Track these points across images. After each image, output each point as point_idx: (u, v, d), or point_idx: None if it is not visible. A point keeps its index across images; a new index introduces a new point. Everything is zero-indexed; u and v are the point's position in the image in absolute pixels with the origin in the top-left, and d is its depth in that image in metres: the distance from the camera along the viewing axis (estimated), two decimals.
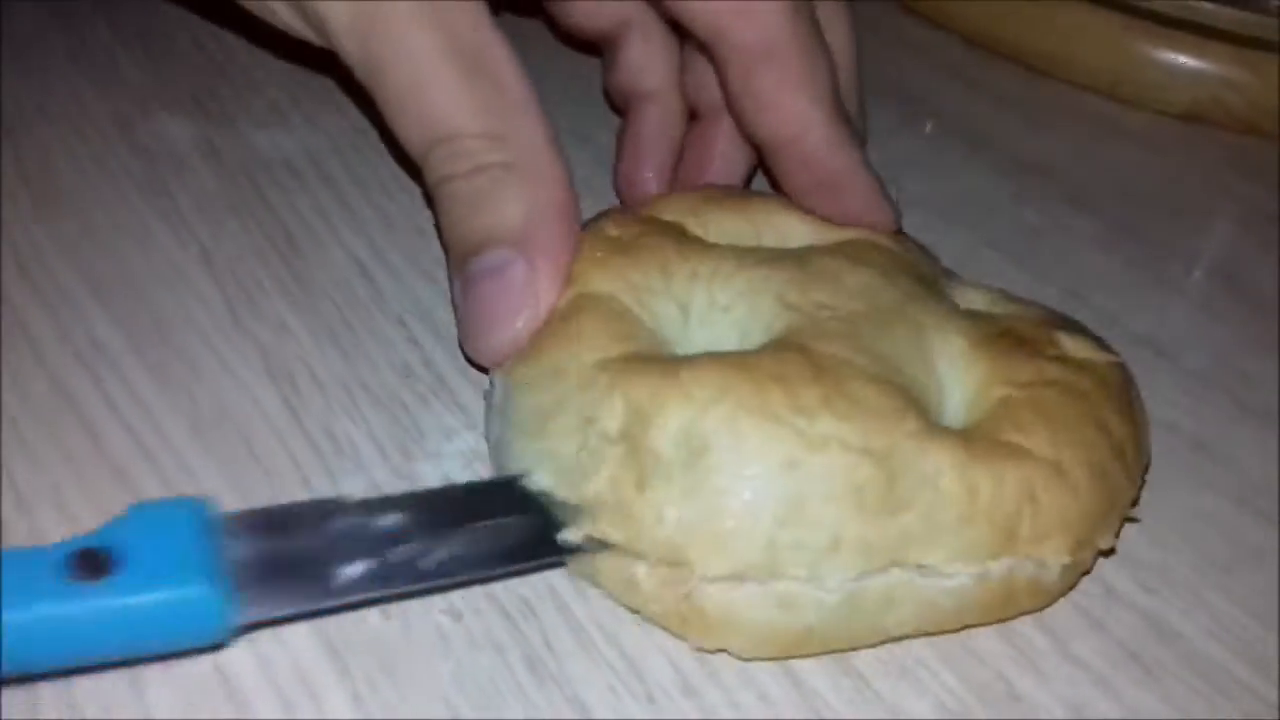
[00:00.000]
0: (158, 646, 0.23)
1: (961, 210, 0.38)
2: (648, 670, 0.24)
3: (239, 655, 0.24)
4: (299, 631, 0.24)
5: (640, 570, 0.24)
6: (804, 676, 0.25)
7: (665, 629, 0.25)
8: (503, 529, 0.25)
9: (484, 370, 0.29)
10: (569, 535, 0.24)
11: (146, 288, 0.32)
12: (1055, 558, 0.25)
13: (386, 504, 0.24)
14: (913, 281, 0.28)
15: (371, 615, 0.25)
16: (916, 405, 0.25)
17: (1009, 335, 0.27)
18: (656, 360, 0.25)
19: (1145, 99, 0.43)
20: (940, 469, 0.24)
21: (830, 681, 0.24)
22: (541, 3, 0.37)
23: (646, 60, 0.35)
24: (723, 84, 0.31)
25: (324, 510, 0.24)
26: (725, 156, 0.33)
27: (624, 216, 0.29)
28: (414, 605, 0.25)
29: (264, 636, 0.24)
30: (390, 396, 0.29)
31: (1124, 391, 0.27)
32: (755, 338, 0.26)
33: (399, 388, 0.30)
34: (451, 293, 0.28)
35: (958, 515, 0.24)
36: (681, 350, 0.27)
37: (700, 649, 0.25)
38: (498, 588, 0.25)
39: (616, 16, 0.35)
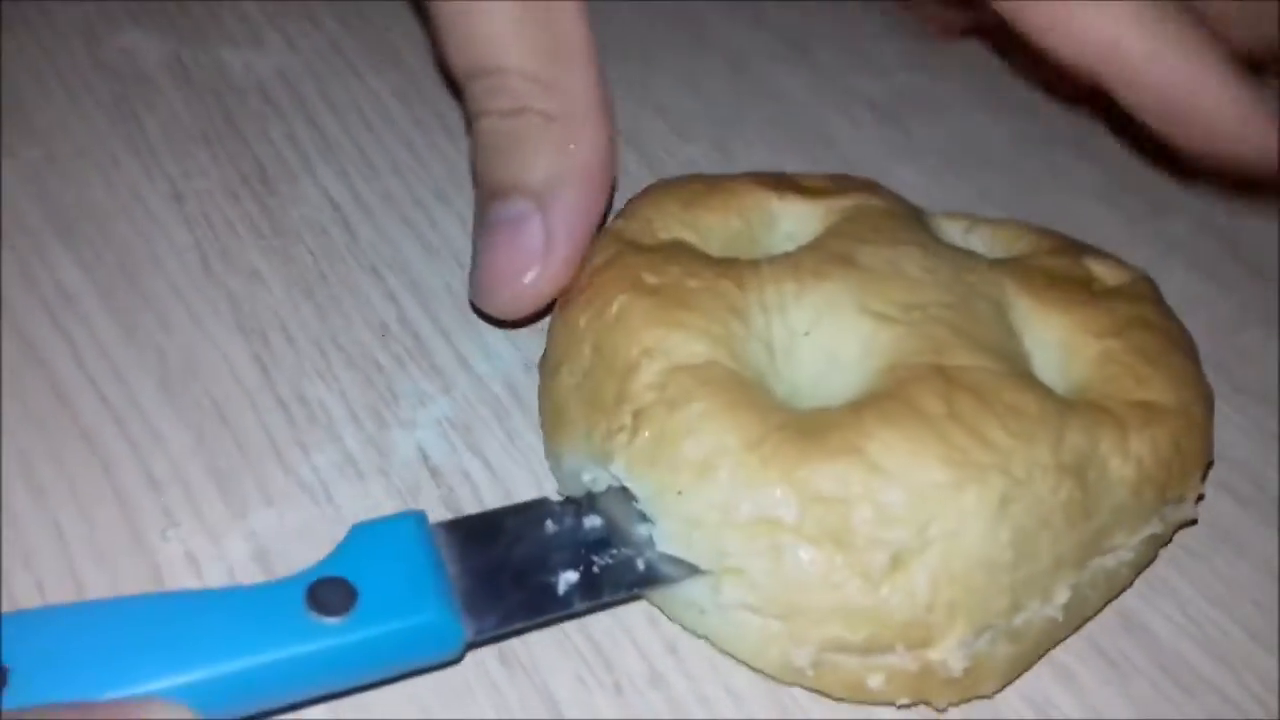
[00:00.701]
0: (390, 670, 0.23)
1: (959, 157, 0.37)
2: (616, 660, 0.24)
3: None
4: None
5: (875, 664, 0.23)
6: None
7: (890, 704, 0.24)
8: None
9: (492, 321, 0.28)
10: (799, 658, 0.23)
11: (114, 227, 0.31)
12: (1192, 491, 0.26)
13: (586, 505, 0.24)
14: (934, 241, 0.28)
15: None
16: (1050, 391, 0.25)
17: (1050, 277, 0.27)
18: (805, 427, 0.23)
19: None
20: (1107, 453, 0.24)
21: None
22: None
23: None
24: (1013, 21, 0.27)
25: (535, 515, 0.24)
26: None
27: (635, 254, 0.26)
28: None
29: None
30: (364, 356, 0.29)
31: (1163, 300, 0.28)
32: (851, 358, 0.25)
33: (374, 347, 0.29)
34: (473, 229, 0.28)
35: (1130, 491, 0.25)
36: (784, 393, 0.25)
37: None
38: None
39: None
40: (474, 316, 0.30)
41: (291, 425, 0.27)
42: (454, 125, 0.34)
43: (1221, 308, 0.33)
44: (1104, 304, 0.27)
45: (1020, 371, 0.25)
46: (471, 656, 0.24)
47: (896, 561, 0.23)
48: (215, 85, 0.35)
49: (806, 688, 0.24)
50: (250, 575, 0.25)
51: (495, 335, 0.30)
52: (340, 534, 0.25)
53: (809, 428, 0.23)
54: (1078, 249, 0.29)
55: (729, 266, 0.26)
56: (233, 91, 0.35)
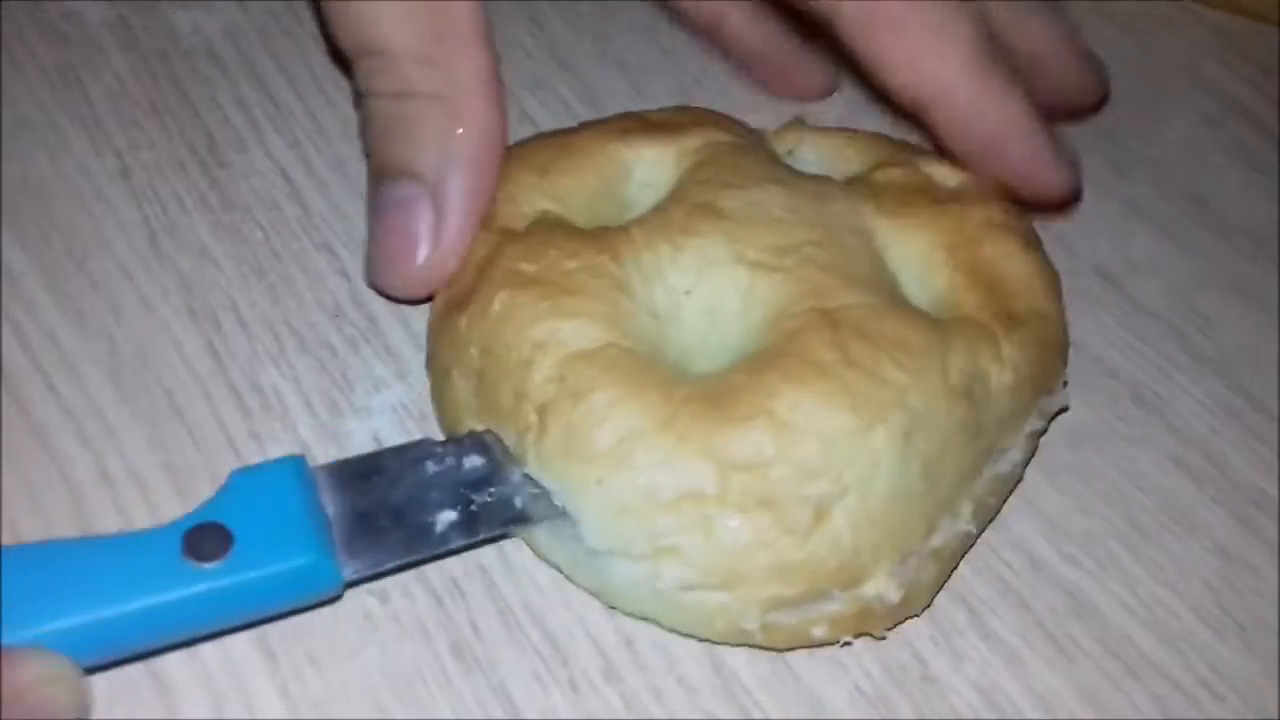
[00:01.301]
0: (269, 611, 0.23)
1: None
2: (572, 655, 0.25)
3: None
4: None
5: (816, 613, 0.24)
6: (725, 658, 0.25)
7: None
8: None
9: (397, 301, 0.28)
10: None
11: (60, 204, 0.30)
12: (1059, 379, 0.28)
13: (468, 448, 0.25)
14: (790, 173, 0.28)
15: None
16: (926, 316, 0.26)
17: (899, 193, 0.28)
18: (711, 395, 0.24)
19: None
20: (987, 365, 0.25)
21: (750, 665, 0.25)
22: None
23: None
24: (845, 43, 0.28)
25: (413, 454, 0.25)
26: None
27: (510, 243, 0.26)
28: None
29: None
30: (318, 340, 0.29)
31: (1005, 195, 0.29)
32: (733, 311, 0.25)
33: (327, 329, 0.29)
34: (366, 207, 0.28)
35: (1010, 396, 0.26)
36: (675, 356, 0.25)
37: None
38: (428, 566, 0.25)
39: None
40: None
41: (245, 415, 0.27)
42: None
43: (1182, 270, 0.33)
44: (952, 212, 0.28)
45: (897, 301, 0.26)
46: (427, 651, 0.24)
47: (819, 513, 0.24)
48: (162, 47, 0.34)
49: (752, 645, 0.25)
50: None
51: None
52: None
53: (715, 395, 0.24)
54: (909, 152, 0.29)
55: (601, 238, 0.26)
56: (180, 54, 0.34)
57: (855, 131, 0.30)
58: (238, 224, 0.30)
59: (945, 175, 0.29)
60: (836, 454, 0.23)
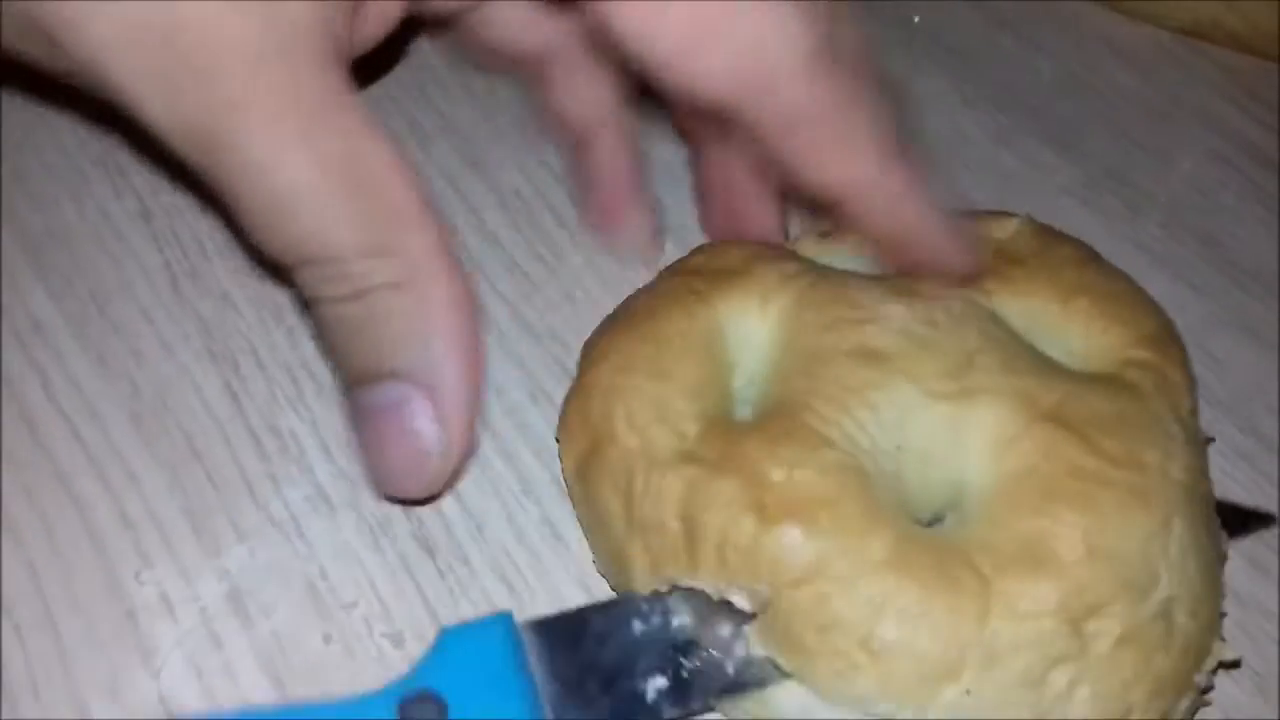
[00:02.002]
0: None
1: (938, 153, 0.36)
2: None
3: (180, 680, 0.24)
4: (241, 655, 0.25)
5: None
6: None
7: None
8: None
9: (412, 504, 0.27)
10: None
11: (82, 249, 0.31)
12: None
13: (674, 604, 0.24)
14: (873, 282, 0.27)
15: (313, 639, 0.25)
16: (1103, 376, 0.26)
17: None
18: (1004, 553, 0.23)
19: (1144, 13, 0.41)
20: (1179, 399, 0.27)
21: None
22: (451, 22, 0.32)
23: (584, 89, 0.31)
24: (752, 142, 0.27)
25: (620, 611, 0.24)
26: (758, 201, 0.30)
27: (693, 471, 0.24)
28: (358, 628, 0.25)
29: (208, 665, 0.24)
30: (335, 384, 0.29)
31: (1048, 227, 0.29)
32: (944, 450, 0.24)
33: None
34: (347, 420, 0.26)
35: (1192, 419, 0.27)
36: (915, 517, 0.24)
37: None
38: (438, 606, 0.26)
39: (539, 42, 0.31)
40: None
41: (263, 458, 0.27)
42: (425, 132, 0.34)
43: (1193, 312, 0.33)
44: (1034, 264, 0.28)
45: (1069, 373, 0.26)
46: None
47: (1168, 621, 0.23)
48: None
49: None
50: (225, 618, 0.25)
51: None
52: (311, 570, 0.26)
53: (1015, 551, 0.23)
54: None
55: (794, 433, 0.24)
56: None
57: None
58: (255, 267, 0.31)
59: (995, 227, 0.29)
60: (1154, 558, 0.23)
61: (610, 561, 0.25)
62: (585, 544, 0.27)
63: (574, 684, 0.23)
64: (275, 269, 0.25)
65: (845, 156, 0.26)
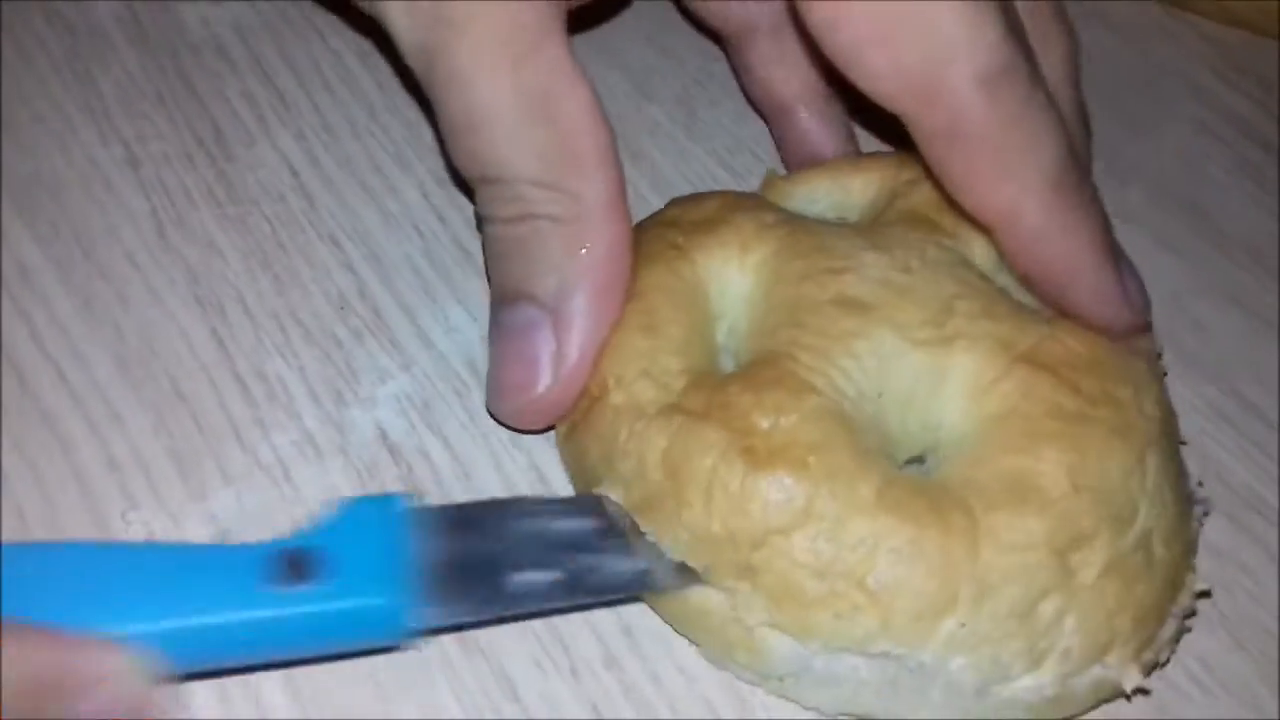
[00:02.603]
0: (346, 647, 0.23)
1: None
2: (572, 643, 0.25)
3: None
4: None
5: None
6: None
7: None
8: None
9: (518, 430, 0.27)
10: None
11: (69, 195, 0.30)
12: None
13: (565, 509, 0.25)
14: (847, 230, 0.27)
15: None
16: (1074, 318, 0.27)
17: (935, 204, 0.27)
18: (996, 489, 0.23)
19: None
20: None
21: None
22: None
23: (781, 67, 0.32)
24: (921, 149, 0.26)
25: (509, 511, 0.24)
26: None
27: (680, 420, 0.24)
28: None
29: None
30: (323, 331, 0.29)
31: None
32: (924, 395, 0.25)
33: (332, 321, 0.29)
34: (488, 330, 0.27)
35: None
36: (895, 459, 0.25)
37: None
38: None
39: (744, 15, 0.32)
40: (434, 290, 0.30)
41: (250, 403, 0.27)
42: (416, 87, 0.34)
43: (1178, 279, 0.33)
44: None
45: (1039, 313, 0.26)
46: (430, 635, 0.24)
47: (1147, 551, 0.24)
48: (170, 41, 0.34)
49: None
50: None
51: (456, 310, 0.30)
52: (298, 514, 0.25)
53: (1006, 486, 0.23)
54: (895, 166, 0.29)
55: (781, 381, 0.24)
56: (189, 49, 0.34)
57: (825, 166, 0.30)
58: (244, 216, 0.31)
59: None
60: (1133, 491, 0.24)
61: None
62: (571, 491, 0.27)
63: (452, 569, 0.23)
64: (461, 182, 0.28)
65: (1005, 181, 0.24)
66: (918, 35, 0.24)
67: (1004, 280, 0.27)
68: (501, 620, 0.25)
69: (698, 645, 0.25)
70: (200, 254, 0.30)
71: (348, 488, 0.26)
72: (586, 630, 0.25)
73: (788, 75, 0.32)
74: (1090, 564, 0.23)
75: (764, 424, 0.23)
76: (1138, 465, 0.24)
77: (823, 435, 0.23)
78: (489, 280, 0.27)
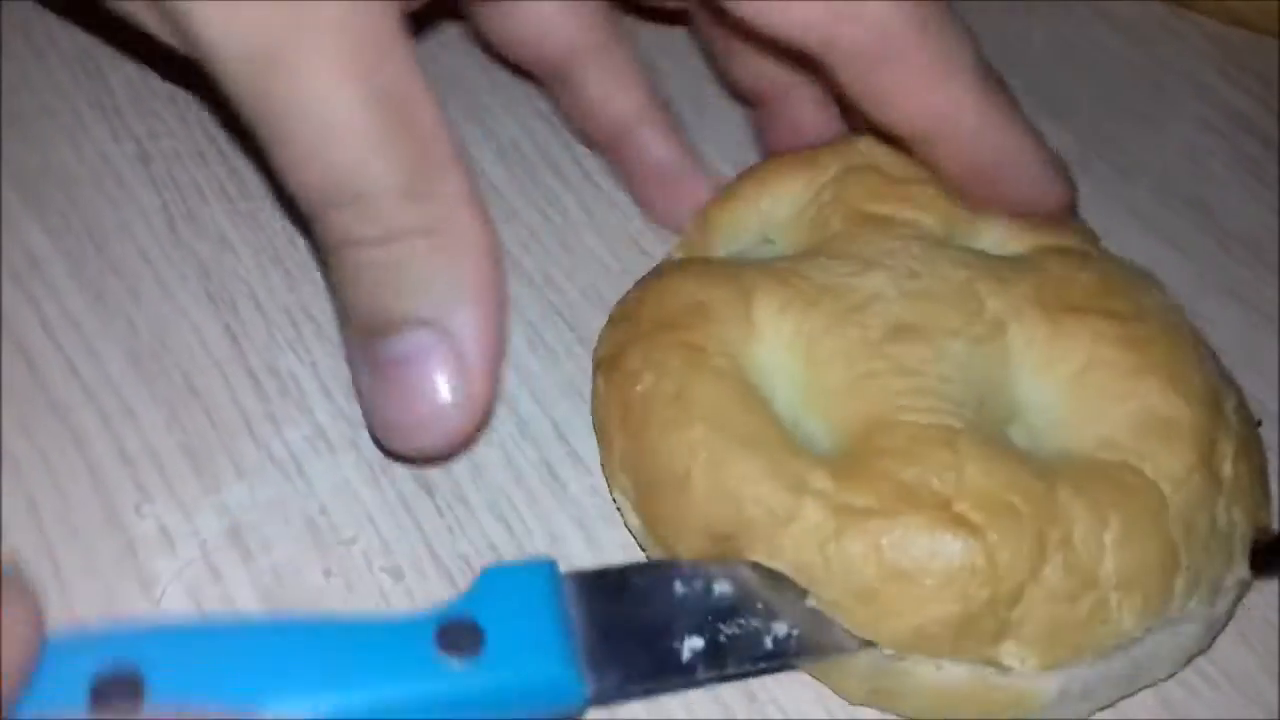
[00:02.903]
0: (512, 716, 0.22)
1: None
2: None
3: (180, 611, 0.24)
4: (241, 587, 0.25)
5: None
6: None
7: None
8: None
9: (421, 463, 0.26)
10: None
11: (80, 190, 0.31)
12: None
13: (717, 572, 0.23)
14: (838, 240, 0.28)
15: (313, 573, 0.25)
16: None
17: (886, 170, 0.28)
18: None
19: None
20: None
21: None
22: (469, 10, 0.32)
23: (614, 87, 0.30)
24: (838, 87, 0.26)
25: (662, 574, 0.23)
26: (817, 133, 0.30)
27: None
28: (357, 563, 0.25)
29: (207, 597, 0.25)
30: (335, 326, 0.29)
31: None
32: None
33: None
34: (353, 372, 0.25)
35: None
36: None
37: None
38: (436, 544, 0.26)
39: (567, 40, 0.30)
40: None
41: (262, 398, 0.28)
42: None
43: (1182, 275, 0.34)
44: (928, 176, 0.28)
45: (1037, 262, 0.27)
46: None
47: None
48: None
49: None
50: (224, 552, 0.25)
51: None
52: (310, 507, 0.26)
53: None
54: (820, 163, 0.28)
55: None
56: None
57: (732, 192, 0.29)
58: (255, 212, 0.31)
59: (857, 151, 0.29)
60: (1207, 374, 0.26)
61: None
62: (582, 486, 0.27)
63: (611, 636, 0.22)
64: (297, 217, 0.25)
65: (939, 87, 0.25)
66: None
67: (958, 239, 0.27)
68: (668, 690, 0.24)
69: None
70: (212, 249, 0.30)
71: (359, 481, 0.26)
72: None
73: (624, 93, 0.31)
74: (1225, 457, 0.25)
75: (946, 488, 0.23)
76: (1193, 351, 0.26)
77: (993, 464, 0.23)
78: (349, 315, 0.25)
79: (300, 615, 0.24)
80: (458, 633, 0.21)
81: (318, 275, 0.30)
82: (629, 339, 0.26)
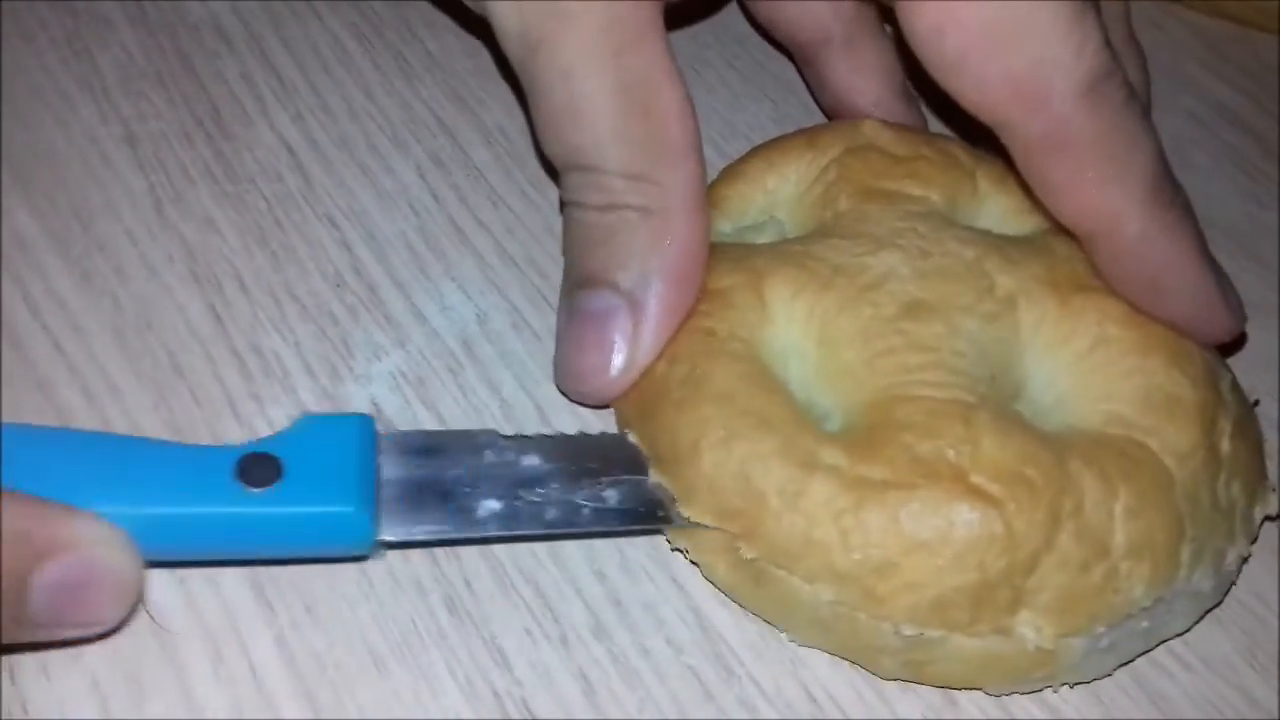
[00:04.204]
0: (303, 552, 0.24)
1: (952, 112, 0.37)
2: (563, 612, 0.25)
3: (164, 588, 0.24)
4: (224, 575, 0.25)
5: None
6: (712, 621, 0.26)
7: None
8: (629, 488, 0.25)
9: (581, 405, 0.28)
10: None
11: (67, 170, 0.31)
12: None
13: (531, 444, 0.26)
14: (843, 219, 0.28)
15: None
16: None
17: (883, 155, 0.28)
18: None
19: None
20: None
21: (738, 629, 0.25)
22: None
23: (858, 76, 0.32)
24: (1016, 164, 0.26)
25: (476, 442, 0.25)
26: None
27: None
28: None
29: (193, 575, 0.25)
30: (319, 308, 0.29)
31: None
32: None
33: (328, 298, 0.29)
34: (558, 315, 0.28)
35: None
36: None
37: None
38: None
39: (819, 25, 0.32)
40: (428, 268, 0.30)
41: (246, 378, 0.28)
42: (413, 70, 0.34)
43: None
44: (929, 154, 0.29)
45: (1039, 241, 0.28)
46: (421, 604, 0.25)
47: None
48: (170, 21, 0.34)
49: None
50: None
51: (450, 288, 0.30)
52: None
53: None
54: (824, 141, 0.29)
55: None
56: (188, 28, 0.34)
57: (736, 170, 0.30)
58: (241, 194, 0.31)
59: (854, 133, 0.29)
60: (1206, 353, 0.26)
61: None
62: None
63: (411, 487, 0.24)
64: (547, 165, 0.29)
65: (1108, 188, 0.24)
66: (1026, 44, 0.23)
67: (961, 216, 0.28)
68: (469, 541, 0.25)
69: (984, 689, 0.25)
70: (198, 231, 0.30)
71: None
72: (577, 601, 0.25)
73: (864, 85, 0.32)
74: (1223, 433, 0.25)
75: (962, 460, 0.23)
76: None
77: (1007, 438, 0.24)
78: (566, 262, 0.27)
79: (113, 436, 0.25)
80: (257, 464, 0.23)
81: (302, 257, 0.30)
82: None
